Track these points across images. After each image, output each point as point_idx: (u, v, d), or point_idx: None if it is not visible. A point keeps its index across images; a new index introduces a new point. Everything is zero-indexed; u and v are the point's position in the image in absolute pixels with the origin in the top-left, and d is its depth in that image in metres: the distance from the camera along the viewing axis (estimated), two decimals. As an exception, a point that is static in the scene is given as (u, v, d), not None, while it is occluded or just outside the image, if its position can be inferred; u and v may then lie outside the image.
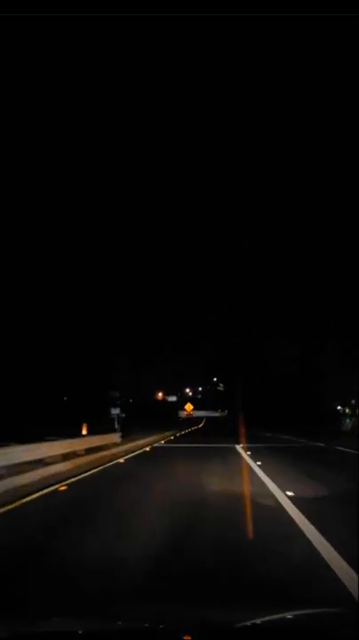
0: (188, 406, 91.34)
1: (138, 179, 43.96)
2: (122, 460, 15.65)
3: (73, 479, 11.12)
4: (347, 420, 37.33)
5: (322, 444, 22.90)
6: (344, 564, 4.88)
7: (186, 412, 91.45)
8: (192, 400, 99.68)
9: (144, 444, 22.81)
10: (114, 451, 18.50)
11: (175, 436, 31.16)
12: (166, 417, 56.96)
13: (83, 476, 11.81)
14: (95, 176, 33.95)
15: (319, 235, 29.68)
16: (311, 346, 35.29)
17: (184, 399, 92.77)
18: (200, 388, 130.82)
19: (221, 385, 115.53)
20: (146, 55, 37.05)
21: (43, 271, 29.52)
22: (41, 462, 12.28)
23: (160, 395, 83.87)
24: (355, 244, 26.18)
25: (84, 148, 32.00)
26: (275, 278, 36.48)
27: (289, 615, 2.82)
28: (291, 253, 33.37)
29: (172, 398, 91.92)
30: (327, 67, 25.70)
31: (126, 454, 17.61)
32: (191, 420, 74.48)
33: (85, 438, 18.49)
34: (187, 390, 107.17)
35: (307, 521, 6.65)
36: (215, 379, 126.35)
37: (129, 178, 41.24)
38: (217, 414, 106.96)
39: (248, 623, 2.51)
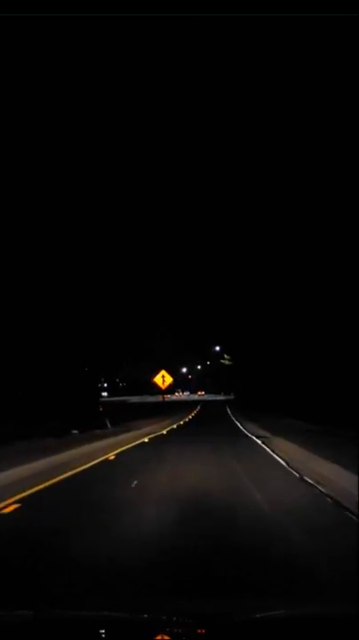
0: (160, 378, 36.22)
1: (140, 180, 43.48)
2: None
3: None
4: None
5: None
6: None
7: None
8: (188, 382, 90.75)
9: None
10: None
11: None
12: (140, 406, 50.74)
13: None
14: (97, 175, 33.51)
15: (319, 234, 28.04)
16: (311, 346, 32.93)
17: (179, 381, 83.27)
18: (199, 367, 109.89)
19: (227, 357, 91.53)
20: (145, 54, 35.87)
21: (42, 271, 27.87)
22: None
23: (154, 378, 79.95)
24: (355, 243, 24.30)
25: (88, 143, 31.77)
26: (275, 278, 35.03)
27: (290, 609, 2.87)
28: (291, 253, 31.81)
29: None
30: (327, 67, 24.52)
31: None
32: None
33: None
34: (185, 370, 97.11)
35: None
36: (218, 347, 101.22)
37: (130, 178, 41.04)
38: (221, 397, 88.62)
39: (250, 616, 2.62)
